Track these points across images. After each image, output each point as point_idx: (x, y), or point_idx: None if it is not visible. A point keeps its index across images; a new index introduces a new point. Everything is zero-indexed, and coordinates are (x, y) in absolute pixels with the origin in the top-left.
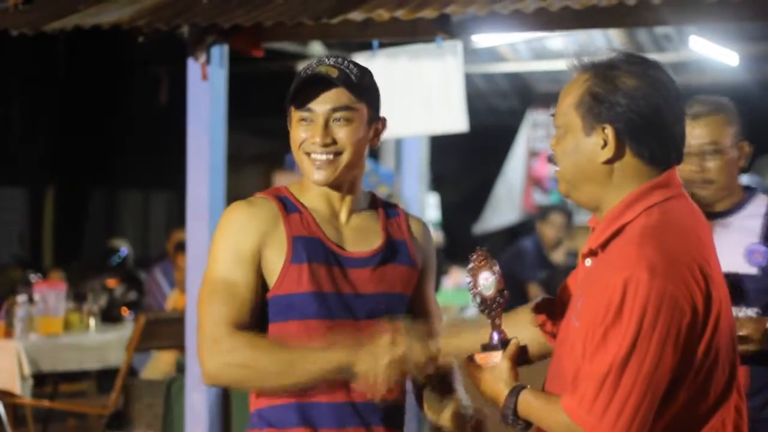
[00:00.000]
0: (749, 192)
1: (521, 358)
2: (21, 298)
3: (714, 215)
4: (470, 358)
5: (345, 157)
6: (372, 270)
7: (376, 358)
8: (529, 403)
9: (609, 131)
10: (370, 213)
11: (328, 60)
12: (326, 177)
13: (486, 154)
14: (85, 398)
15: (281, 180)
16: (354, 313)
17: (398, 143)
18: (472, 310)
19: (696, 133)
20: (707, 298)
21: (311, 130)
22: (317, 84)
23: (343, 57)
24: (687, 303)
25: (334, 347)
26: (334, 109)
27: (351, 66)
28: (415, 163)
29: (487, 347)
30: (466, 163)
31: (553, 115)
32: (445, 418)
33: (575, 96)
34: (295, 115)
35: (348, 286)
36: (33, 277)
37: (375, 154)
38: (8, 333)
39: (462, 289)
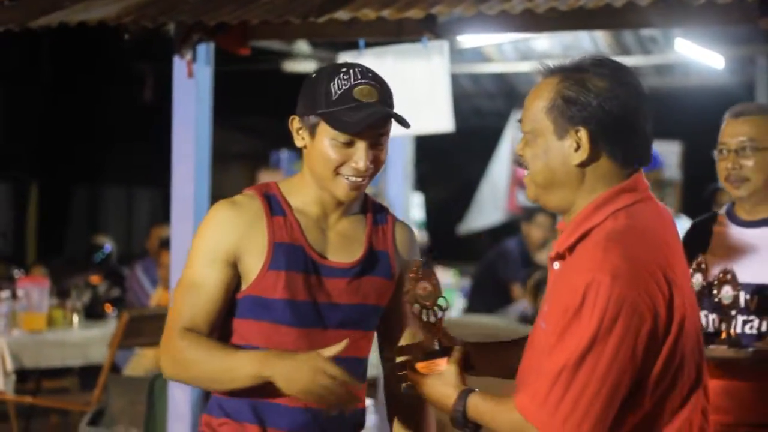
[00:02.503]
0: None
1: (466, 364)
2: (4, 293)
3: (755, 224)
4: (411, 366)
5: (373, 175)
6: (349, 281)
7: (291, 377)
8: (478, 405)
9: (582, 133)
10: (358, 218)
11: (360, 76)
12: (355, 195)
13: (471, 154)
14: (68, 395)
15: (265, 178)
16: (325, 322)
17: None
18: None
19: (735, 131)
20: (669, 304)
21: (350, 155)
22: (360, 109)
23: (364, 68)
24: (648, 310)
25: (259, 358)
26: (379, 135)
27: (380, 81)
28: (400, 162)
29: (430, 354)
30: (451, 163)
31: (520, 121)
32: None
33: (545, 99)
34: (330, 132)
35: (323, 296)
36: (16, 273)
37: None
38: None
39: (447, 289)
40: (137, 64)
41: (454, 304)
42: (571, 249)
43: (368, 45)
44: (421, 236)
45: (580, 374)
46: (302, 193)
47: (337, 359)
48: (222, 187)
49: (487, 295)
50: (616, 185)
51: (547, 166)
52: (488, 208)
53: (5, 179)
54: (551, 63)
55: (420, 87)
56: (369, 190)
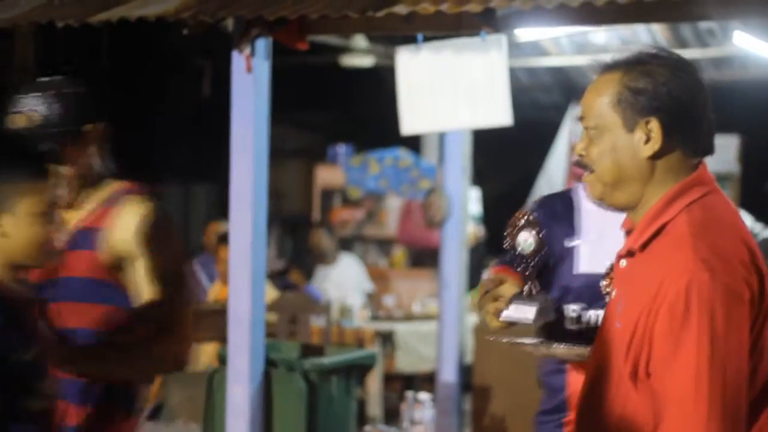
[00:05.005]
0: None
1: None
2: None
3: None
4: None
5: None
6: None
7: None
8: None
9: (654, 124)
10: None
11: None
12: None
13: (528, 148)
14: None
15: (323, 174)
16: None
17: (441, 137)
18: None
19: None
20: (761, 290)
21: None
22: None
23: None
24: (747, 295)
25: None
26: None
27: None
28: (457, 157)
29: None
30: (509, 157)
31: (581, 118)
32: None
33: (610, 94)
34: None
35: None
36: None
37: (417, 149)
38: None
39: None
40: (196, 59)
41: None
42: (645, 246)
43: (426, 39)
44: (478, 230)
45: (716, 380)
46: None
47: (68, 330)
48: (279, 182)
49: None
50: (685, 178)
51: (615, 162)
52: None
53: None
54: (606, 58)
55: (478, 81)
56: (426, 185)
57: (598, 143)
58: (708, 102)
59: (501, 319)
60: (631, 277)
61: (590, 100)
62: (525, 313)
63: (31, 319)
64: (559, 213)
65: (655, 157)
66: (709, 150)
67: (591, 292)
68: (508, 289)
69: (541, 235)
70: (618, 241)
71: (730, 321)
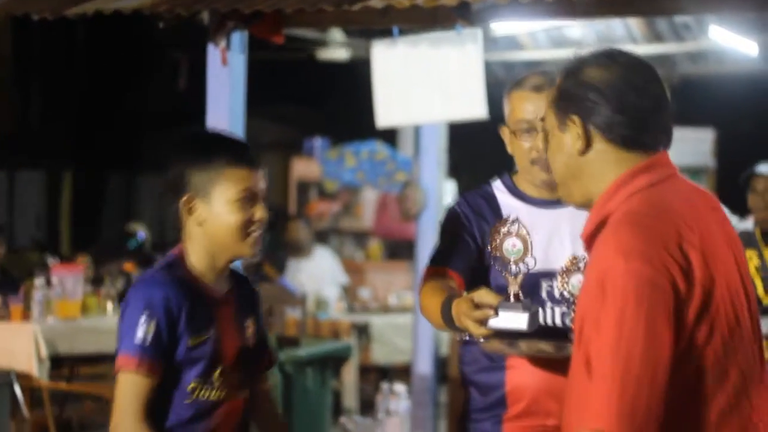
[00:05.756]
0: None
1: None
2: (38, 281)
3: None
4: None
5: None
6: None
7: None
8: None
9: (576, 120)
10: None
11: None
12: None
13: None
14: (103, 381)
15: (299, 167)
16: None
17: (417, 130)
18: None
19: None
20: (688, 277)
21: None
22: None
23: None
24: (668, 283)
25: None
26: None
27: None
28: (433, 150)
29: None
30: (484, 150)
31: (542, 120)
32: None
33: (550, 96)
34: None
35: None
36: (50, 261)
37: (393, 142)
38: (26, 316)
39: None
40: (172, 51)
41: None
42: (591, 238)
43: (402, 32)
44: None
45: (617, 366)
46: None
47: None
48: None
49: None
50: (628, 169)
51: (560, 162)
52: None
53: (40, 167)
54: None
55: (453, 74)
56: (402, 177)
57: (549, 145)
58: (654, 95)
59: (489, 327)
60: (586, 269)
61: (543, 105)
62: (517, 321)
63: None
64: (485, 210)
65: (585, 152)
66: (660, 142)
67: (525, 290)
68: (486, 295)
69: (530, 241)
70: (545, 239)
71: (640, 308)
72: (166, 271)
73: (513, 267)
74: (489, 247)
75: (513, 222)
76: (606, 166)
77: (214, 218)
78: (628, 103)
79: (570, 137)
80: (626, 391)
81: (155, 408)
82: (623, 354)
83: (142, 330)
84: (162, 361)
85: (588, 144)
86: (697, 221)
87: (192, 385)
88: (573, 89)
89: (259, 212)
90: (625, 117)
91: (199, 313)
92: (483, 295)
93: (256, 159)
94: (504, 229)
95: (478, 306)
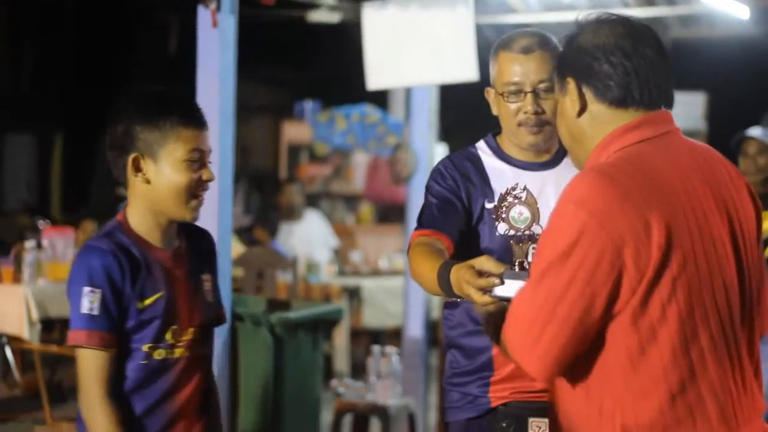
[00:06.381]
0: None
1: None
2: (29, 243)
3: None
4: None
5: None
6: None
7: None
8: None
9: (571, 84)
10: None
11: None
12: None
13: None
14: None
15: (289, 130)
16: None
17: (408, 93)
18: None
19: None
20: (644, 244)
21: None
22: None
23: None
24: (611, 243)
25: None
26: None
27: None
28: (424, 113)
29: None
30: (475, 113)
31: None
32: None
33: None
34: None
35: None
36: (41, 223)
37: (384, 105)
38: (16, 278)
39: None
40: (162, 14)
41: None
42: None
43: None
44: None
45: (539, 293)
46: None
47: None
48: (246, 138)
49: None
50: (619, 126)
51: (563, 125)
52: None
53: (30, 130)
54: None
55: (444, 37)
56: (393, 141)
57: (557, 110)
58: (645, 57)
59: (493, 295)
60: None
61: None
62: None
63: None
64: (471, 172)
65: (581, 113)
66: (656, 101)
67: (511, 255)
68: (488, 263)
69: (537, 206)
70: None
71: (574, 254)
72: (106, 239)
73: (519, 235)
74: (494, 215)
75: (522, 189)
76: (602, 126)
77: (162, 178)
78: (617, 63)
79: (569, 101)
80: (534, 323)
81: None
82: (544, 289)
83: (87, 302)
84: (113, 330)
85: (583, 106)
86: (682, 182)
87: (147, 345)
88: (569, 54)
89: (206, 173)
90: (615, 77)
91: (144, 275)
92: (484, 262)
93: (204, 119)
94: (511, 197)
95: (480, 273)
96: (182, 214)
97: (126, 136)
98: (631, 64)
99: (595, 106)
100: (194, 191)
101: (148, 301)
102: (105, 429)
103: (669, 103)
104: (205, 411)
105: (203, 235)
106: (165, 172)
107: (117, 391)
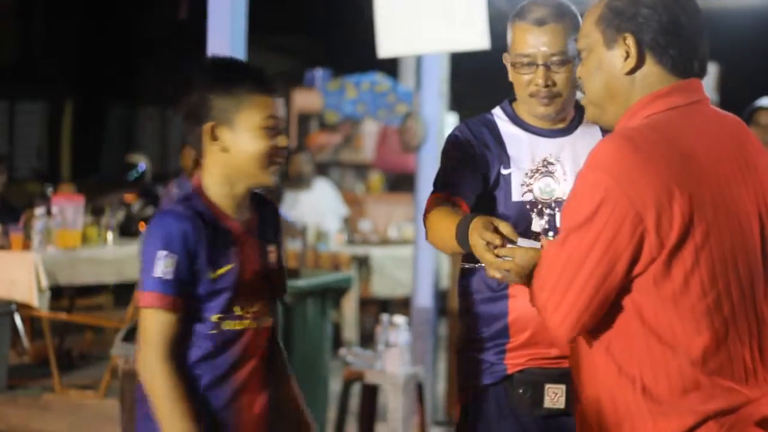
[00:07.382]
0: None
1: None
2: (39, 210)
3: None
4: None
5: None
6: None
7: None
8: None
9: (630, 40)
10: None
11: None
12: None
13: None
14: (102, 311)
15: (300, 98)
16: None
17: (418, 62)
18: None
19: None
20: (666, 214)
21: None
22: None
23: None
24: (632, 210)
25: None
26: None
27: None
28: (434, 82)
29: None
30: (487, 83)
31: (575, 41)
32: None
33: (595, 14)
34: None
35: None
36: (50, 191)
37: (394, 73)
38: (26, 245)
39: None
40: None
41: None
42: None
43: None
44: None
45: (563, 253)
46: None
47: None
48: None
49: None
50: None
51: (600, 80)
52: None
53: (40, 97)
54: None
55: (456, 4)
56: (403, 109)
57: (587, 63)
58: (697, 24)
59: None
60: None
61: (584, 21)
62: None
63: None
64: (488, 138)
65: (633, 71)
66: (696, 69)
67: (527, 221)
68: (507, 228)
69: (565, 178)
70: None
71: (596, 219)
72: (184, 205)
73: (533, 201)
74: (521, 184)
75: (553, 162)
76: (648, 87)
77: (239, 145)
78: (681, 28)
79: (618, 55)
80: (559, 282)
81: (181, 342)
82: (567, 249)
83: (162, 266)
84: (183, 296)
85: (638, 65)
86: (708, 153)
87: (216, 316)
88: (624, 5)
89: (283, 140)
90: (677, 42)
91: (219, 245)
92: (504, 225)
93: (276, 87)
94: (543, 168)
95: (496, 230)
96: (263, 179)
97: (201, 105)
98: (692, 29)
99: (651, 68)
100: (273, 158)
101: (220, 272)
102: (164, 388)
103: (703, 73)
104: (268, 383)
105: (269, 205)
106: (243, 140)
107: (183, 362)
